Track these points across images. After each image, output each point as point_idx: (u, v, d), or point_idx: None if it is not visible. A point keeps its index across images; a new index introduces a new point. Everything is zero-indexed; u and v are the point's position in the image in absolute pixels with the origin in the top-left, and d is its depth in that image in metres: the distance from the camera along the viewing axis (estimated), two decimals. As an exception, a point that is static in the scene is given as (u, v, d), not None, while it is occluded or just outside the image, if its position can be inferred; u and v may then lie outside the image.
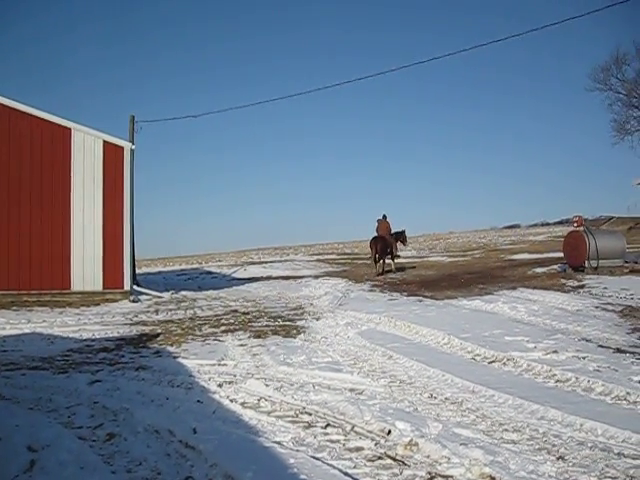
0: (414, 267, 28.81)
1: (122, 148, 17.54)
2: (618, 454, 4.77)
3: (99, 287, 17.01)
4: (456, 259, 34.87)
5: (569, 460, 4.68)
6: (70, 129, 16.85)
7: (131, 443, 5.24)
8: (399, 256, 26.67)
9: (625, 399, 6.29)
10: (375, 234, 24.98)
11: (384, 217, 25.72)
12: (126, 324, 12.84)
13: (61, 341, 10.74)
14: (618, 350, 8.57)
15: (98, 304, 16.23)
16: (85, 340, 10.83)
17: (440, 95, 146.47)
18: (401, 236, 26.02)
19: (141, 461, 4.80)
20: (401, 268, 26.96)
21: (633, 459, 4.66)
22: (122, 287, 17.31)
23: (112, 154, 17.30)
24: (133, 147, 18.21)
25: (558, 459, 4.71)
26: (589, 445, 4.99)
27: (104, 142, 17.20)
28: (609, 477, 4.34)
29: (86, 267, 16.85)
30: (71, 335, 11.36)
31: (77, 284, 16.78)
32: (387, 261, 25.65)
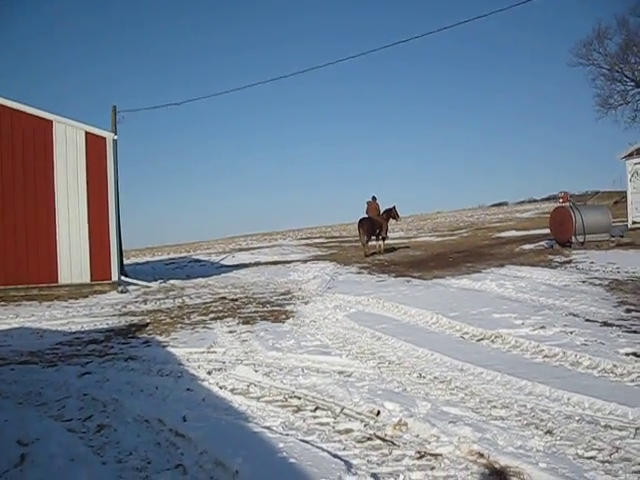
0: (402, 248, 28.87)
1: (104, 138, 17.38)
2: (605, 426, 4.81)
3: (87, 279, 16.92)
4: (444, 238, 35.00)
5: (557, 434, 4.71)
6: (51, 121, 16.68)
7: (121, 433, 5.23)
8: (387, 237, 26.67)
9: (612, 372, 6.34)
10: (364, 215, 24.98)
11: (374, 198, 25.72)
12: (115, 315, 12.80)
13: (50, 335, 10.68)
14: (605, 324, 8.62)
15: (86, 296, 16.15)
16: (74, 333, 10.78)
17: (423, 74, 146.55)
18: (392, 212, 25.97)
19: (131, 451, 4.79)
20: (389, 249, 27.00)
21: (619, 430, 4.70)
22: (110, 278, 17.23)
23: (95, 145, 17.15)
24: (116, 137, 18.05)
25: (546, 433, 4.74)
26: (576, 418, 5.03)
27: (86, 133, 17.04)
28: (596, 449, 4.37)
29: (73, 259, 16.75)
30: (60, 328, 11.30)
31: (64, 277, 16.69)
32: (375, 242, 25.68)
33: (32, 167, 16.48)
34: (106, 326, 11.37)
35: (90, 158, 17.01)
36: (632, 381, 6.00)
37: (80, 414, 5.86)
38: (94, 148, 17.08)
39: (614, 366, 6.45)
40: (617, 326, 8.39)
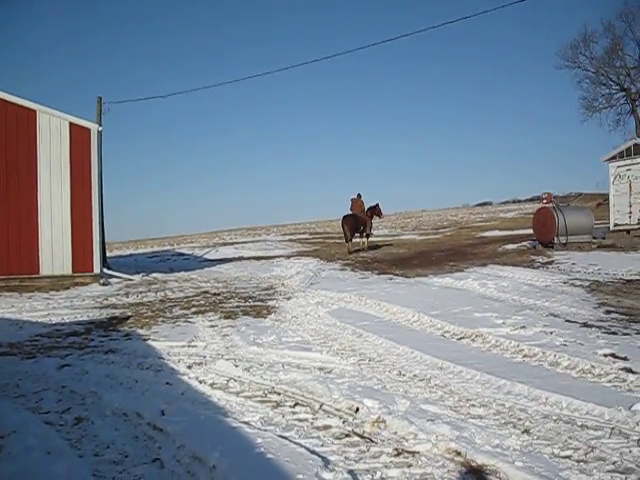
0: (386, 245, 28.93)
1: (89, 130, 17.21)
2: (581, 426, 4.85)
3: (68, 271, 16.78)
4: (428, 237, 35.12)
5: (534, 433, 4.75)
6: (35, 111, 16.48)
7: (99, 427, 5.20)
8: (372, 234, 26.73)
9: (590, 372, 6.39)
10: (348, 212, 25.01)
11: (359, 196, 25.80)
12: (96, 307, 12.72)
13: (30, 326, 10.60)
14: (585, 325, 8.68)
15: (68, 288, 16.03)
16: (54, 324, 10.70)
17: (408, 71, 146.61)
18: (375, 209, 26.03)
19: (109, 444, 4.77)
20: (373, 246, 27.05)
21: (595, 430, 4.74)
22: (92, 270, 17.09)
23: (79, 136, 16.97)
24: (100, 129, 17.92)
25: (523, 432, 4.77)
26: (554, 418, 5.07)
27: (70, 124, 16.86)
28: (572, 448, 4.41)
29: (55, 251, 16.60)
30: (40, 320, 11.22)
31: (46, 268, 16.54)
32: (359, 239, 25.72)
33: (15, 157, 16.28)
34: (87, 318, 11.29)
35: (74, 149, 16.84)
36: (609, 382, 6.06)
37: (58, 406, 5.82)
38: (78, 139, 16.91)
39: (592, 367, 6.50)
40: (597, 327, 8.45)
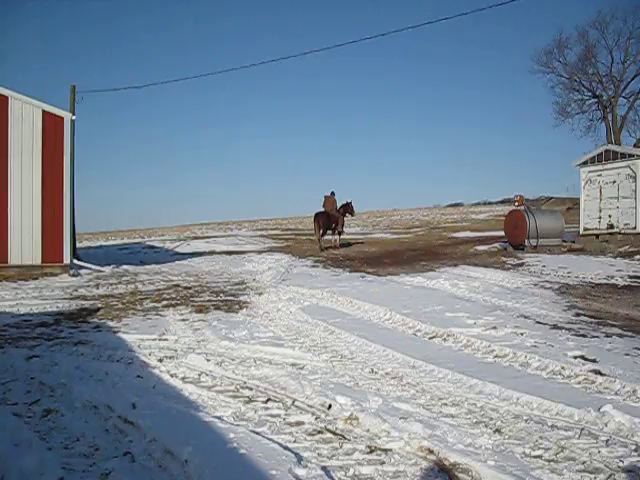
0: (358, 243, 28.99)
1: (62, 118, 16.98)
2: (551, 426, 4.90)
3: (38, 261, 16.55)
4: (399, 236, 35.27)
5: (505, 433, 4.78)
6: (7, 97, 16.21)
7: (69, 419, 5.13)
8: (343, 232, 26.76)
9: (560, 373, 6.46)
10: (320, 210, 25.01)
11: (332, 193, 25.80)
12: (65, 298, 12.55)
13: (-3, 316, 10.44)
14: (555, 326, 8.78)
15: (37, 278, 15.80)
16: (23, 315, 10.54)
17: (383, 68, 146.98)
18: (348, 207, 26.04)
19: (79, 437, 4.69)
20: (345, 244, 27.10)
21: (565, 430, 4.79)
22: (62, 261, 16.88)
23: (52, 124, 16.74)
24: (74, 117, 17.72)
25: (495, 432, 4.80)
26: (525, 418, 5.11)
27: (43, 112, 16.62)
28: (542, 448, 4.45)
29: (24, 240, 16.35)
30: (8, 310, 11.04)
31: (15, 257, 16.29)
32: (331, 237, 25.74)
33: (-16, 143, 16.03)
34: (56, 309, 11.14)
35: (47, 137, 16.59)
36: (579, 383, 6.13)
37: (26, 398, 5.72)
38: (51, 127, 16.67)
39: (562, 368, 6.57)
40: (566, 329, 8.56)
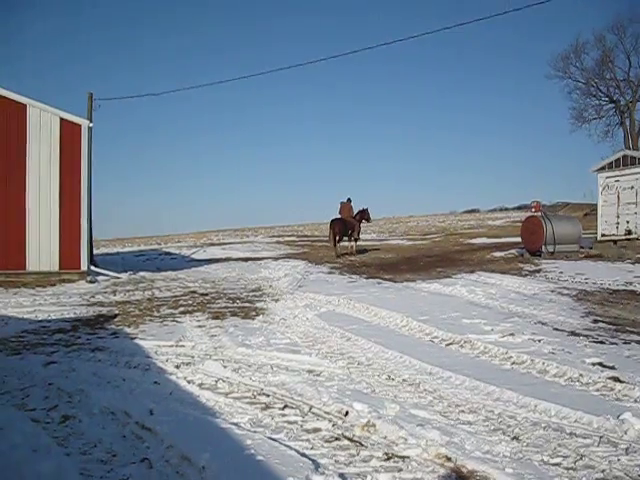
0: (374, 250, 28.95)
1: (80, 126, 17.12)
2: (570, 434, 4.86)
3: (55, 267, 16.67)
4: (415, 242, 35.17)
5: (523, 440, 4.75)
6: (26, 105, 16.39)
7: (86, 425, 5.16)
8: (359, 238, 26.74)
9: (578, 380, 6.41)
10: (337, 216, 25.03)
11: (348, 200, 25.81)
12: (83, 305, 12.65)
13: (15, 322, 10.52)
14: (572, 333, 8.72)
15: (54, 285, 15.93)
16: (40, 321, 10.63)
17: (398, 75, 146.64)
18: (364, 214, 26.01)
19: (96, 443, 4.72)
20: (361, 251, 27.07)
21: (584, 438, 4.75)
22: (79, 267, 16.99)
23: (69, 132, 16.88)
24: (91, 125, 17.86)
25: (513, 439, 4.77)
26: (543, 425, 5.07)
27: (61, 119, 16.77)
28: (561, 456, 4.42)
29: (42, 247, 16.49)
30: (26, 316, 11.14)
31: (33, 264, 16.43)
32: (347, 243, 25.73)
33: (4, 152, 16.18)
34: (73, 316, 11.23)
35: (64, 145, 16.74)
36: (597, 390, 6.08)
37: (45, 404, 5.77)
38: (69, 134, 16.81)
39: (580, 375, 6.52)
40: (584, 336, 8.49)
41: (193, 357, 7.75)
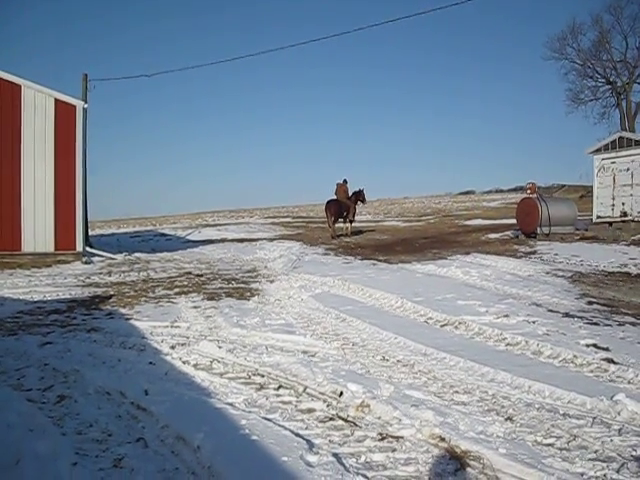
0: (369, 231, 28.96)
1: (74, 106, 17.00)
2: (563, 414, 4.88)
3: (51, 248, 16.62)
4: (411, 224, 35.18)
5: (517, 421, 4.77)
6: (20, 86, 16.25)
7: (82, 405, 5.17)
8: (355, 220, 26.74)
9: (572, 362, 6.43)
10: (332, 197, 25.02)
11: (344, 181, 25.81)
12: (78, 286, 12.63)
13: (11, 303, 10.50)
14: (567, 315, 8.74)
15: (50, 265, 15.89)
16: (36, 302, 10.61)
17: (394, 59, 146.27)
18: (360, 195, 26.04)
19: (92, 423, 4.73)
20: (356, 232, 27.06)
21: (577, 419, 4.77)
22: (74, 248, 16.94)
23: (64, 112, 16.77)
24: (86, 106, 17.71)
25: (506, 420, 4.79)
26: (536, 406, 5.09)
27: (56, 100, 16.64)
28: (554, 436, 4.43)
29: (37, 228, 16.43)
30: (21, 297, 11.12)
31: (28, 245, 16.38)
32: (343, 225, 25.74)
33: (-2, 132, 16.09)
34: (69, 296, 11.21)
35: (59, 126, 16.63)
36: (591, 372, 6.10)
37: (40, 384, 5.78)
38: (64, 115, 16.69)
39: (574, 356, 6.54)
40: (579, 317, 8.52)
41: (188, 338, 7.75)
